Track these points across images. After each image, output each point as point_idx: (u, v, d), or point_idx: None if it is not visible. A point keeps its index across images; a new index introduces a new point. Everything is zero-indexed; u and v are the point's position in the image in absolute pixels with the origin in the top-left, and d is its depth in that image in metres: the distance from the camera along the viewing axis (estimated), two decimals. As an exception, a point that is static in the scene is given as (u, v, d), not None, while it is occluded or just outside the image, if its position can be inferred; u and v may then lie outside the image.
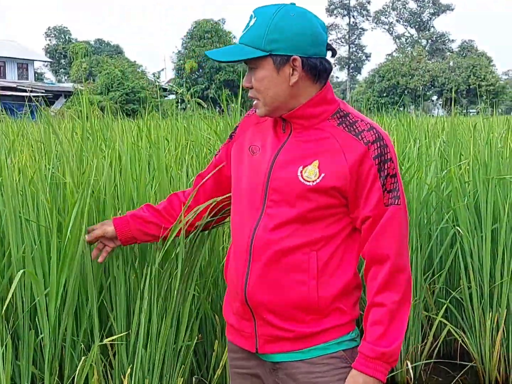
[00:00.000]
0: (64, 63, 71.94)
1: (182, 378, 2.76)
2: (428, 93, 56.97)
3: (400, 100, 29.56)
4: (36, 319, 2.52)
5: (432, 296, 3.95)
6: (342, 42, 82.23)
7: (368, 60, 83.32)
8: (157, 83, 37.02)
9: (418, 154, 4.31)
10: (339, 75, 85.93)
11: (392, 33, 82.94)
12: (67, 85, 42.50)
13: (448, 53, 73.79)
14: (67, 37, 74.32)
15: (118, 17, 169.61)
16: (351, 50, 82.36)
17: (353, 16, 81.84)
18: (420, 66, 56.93)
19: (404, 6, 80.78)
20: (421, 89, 54.79)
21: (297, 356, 1.80)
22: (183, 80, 47.36)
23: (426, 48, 73.20)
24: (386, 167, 1.72)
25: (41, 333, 2.51)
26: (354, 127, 1.75)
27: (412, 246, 3.64)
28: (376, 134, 1.73)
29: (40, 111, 4.68)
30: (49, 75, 74.34)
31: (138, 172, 2.94)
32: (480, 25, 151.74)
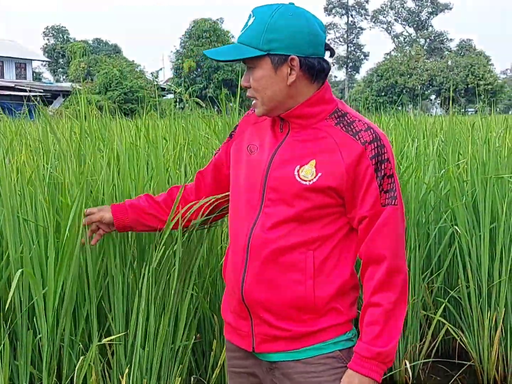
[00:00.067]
0: (62, 62, 71.88)
1: (180, 378, 2.76)
2: (426, 92, 56.99)
3: (399, 100, 29.53)
4: (34, 319, 2.52)
5: (430, 295, 3.95)
6: (340, 41, 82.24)
7: (367, 59, 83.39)
8: (155, 83, 37.01)
9: (417, 154, 4.30)
10: (337, 74, 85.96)
11: (390, 32, 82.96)
12: (65, 85, 42.50)
13: (446, 52, 73.78)
14: (65, 37, 74.27)
15: (116, 17, 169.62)
16: (349, 49, 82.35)
17: (351, 15, 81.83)
18: (419, 65, 56.94)
19: (402, 5, 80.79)
20: (419, 88, 54.81)
21: (293, 356, 1.80)
22: (182, 79, 47.34)
23: (424, 47, 73.18)
24: (383, 167, 1.72)
25: (39, 333, 2.51)
26: (352, 127, 1.75)
27: (411, 245, 3.65)
28: (374, 134, 1.73)
29: (39, 110, 4.68)
30: (47, 75, 74.31)
31: (136, 172, 2.94)
32: (478, 24, 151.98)
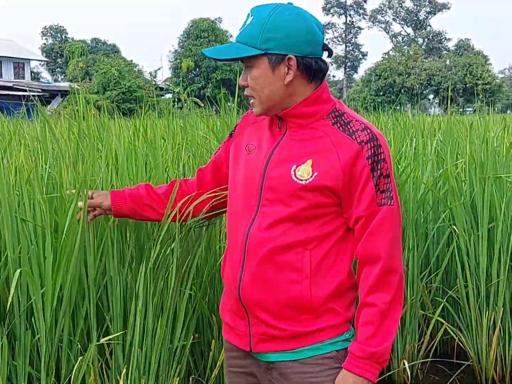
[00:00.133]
0: (60, 62, 71.79)
1: (178, 378, 2.76)
2: (424, 91, 56.99)
3: (397, 99, 29.56)
4: (33, 319, 2.51)
5: (428, 295, 3.95)
6: (338, 41, 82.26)
7: (365, 59, 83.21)
8: (153, 82, 37.01)
9: (415, 153, 4.31)
10: (335, 74, 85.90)
11: (388, 32, 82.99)
12: (64, 84, 42.45)
13: (445, 51, 73.83)
14: (63, 36, 74.18)
15: (114, 16, 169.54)
16: (347, 49, 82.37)
17: (350, 15, 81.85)
18: (417, 65, 56.94)
19: (400, 5, 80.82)
20: (417, 87, 54.81)
21: (290, 356, 1.81)
22: (180, 79, 47.33)
23: (422, 47, 73.21)
24: (379, 167, 1.72)
25: (37, 333, 2.51)
26: (349, 126, 1.76)
27: (409, 245, 3.65)
28: (370, 134, 1.73)
29: (37, 110, 4.68)
30: (45, 75, 74.25)
31: (134, 172, 2.94)
32: (476, 24, 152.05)
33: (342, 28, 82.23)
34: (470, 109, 41.27)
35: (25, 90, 30.18)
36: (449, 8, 79.18)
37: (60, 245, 2.44)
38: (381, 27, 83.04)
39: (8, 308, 2.39)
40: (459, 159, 4.25)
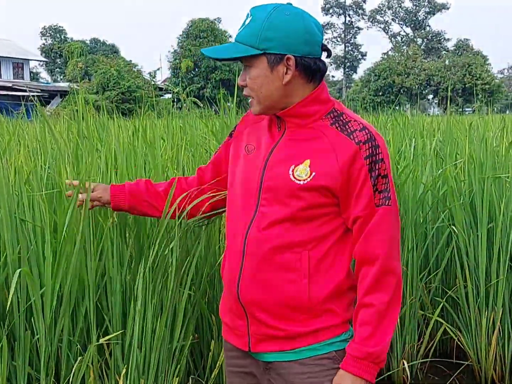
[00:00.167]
0: (59, 62, 71.74)
1: (178, 378, 2.76)
2: (424, 92, 57.00)
3: (396, 99, 29.57)
4: (32, 320, 2.51)
5: (428, 295, 3.96)
6: (338, 41, 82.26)
7: (364, 59, 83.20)
8: (153, 83, 36.97)
9: (414, 154, 4.31)
10: (335, 74, 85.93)
11: (387, 32, 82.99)
12: (63, 85, 42.39)
13: (444, 52, 73.88)
14: (62, 37, 74.10)
15: (113, 16, 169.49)
16: (346, 49, 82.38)
17: (349, 15, 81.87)
18: (416, 65, 56.95)
19: (399, 5, 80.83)
20: (416, 88, 54.83)
21: (289, 357, 1.81)
22: (179, 79, 47.28)
23: (421, 47, 73.24)
24: (377, 167, 1.72)
25: (37, 334, 2.51)
26: (347, 126, 1.76)
27: (408, 245, 3.65)
28: (368, 135, 1.73)
29: (36, 110, 4.67)
30: (44, 75, 74.24)
31: (134, 172, 2.93)
32: (475, 24, 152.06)
33: (341, 28, 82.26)
34: (469, 109, 41.33)
35: (25, 90, 30.18)
36: (448, 8, 79.20)
37: (60, 245, 2.44)
38: (380, 27, 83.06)
39: (7, 308, 2.39)
40: (458, 159, 4.25)
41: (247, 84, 1.79)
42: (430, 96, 60.31)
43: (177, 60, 52.76)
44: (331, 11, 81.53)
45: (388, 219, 1.74)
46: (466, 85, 53.48)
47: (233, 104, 3.70)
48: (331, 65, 78.80)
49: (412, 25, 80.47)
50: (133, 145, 3.46)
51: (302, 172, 1.74)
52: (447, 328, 3.82)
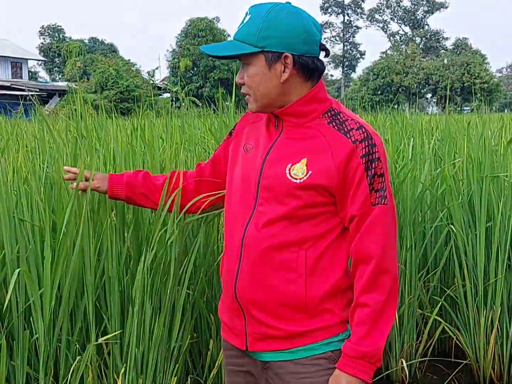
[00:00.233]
0: (58, 61, 71.68)
1: (176, 377, 2.76)
2: (422, 90, 57.00)
3: (395, 98, 29.54)
4: (31, 319, 2.51)
5: (426, 294, 3.96)
6: (336, 40, 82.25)
7: (363, 58, 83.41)
8: (151, 82, 36.96)
9: (413, 153, 4.31)
10: (333, 73, 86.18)
11: (386, 31, 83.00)
12: (61, 84, 42.39)
13: (442, 51, 73.89)
14: (61, 36, 74.05)
15: (112, 16, 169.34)
16: (345, 48, 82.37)
17: (348, 14, 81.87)
18: (415, 64, 56.96)
19: (398, 4, 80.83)
20: (415, 87, 54.84)
21: (286, 356, 1.81)
22: (178, 78, 47.26)
23: (420, 46, 73.26)
24: (373, 166, 1.72)
25: (35, 333, 2.51)
26: (344, 125, 1.76)
27: (407, 244, 3.65)
28: (365, 133, 1.73)
29: (35, 110, 4.67)
30: (43, 74, 74.16)
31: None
32: (474, 23, 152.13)
33: (340, 27, 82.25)
34: (468, 108, 41.33)
35: (23, 90, 30.15)
36: (446, 7, 79.22)
37: (59, 245, 2.44)
38: (379, 26, 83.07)
39: (4, 307, 2.39)
40: (457, 158, 4.25)
41: (245, 82, 1.80)
42: (429, 95, 60.31)
43: (175, 59, 52.73)
44: (329, 10, 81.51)
45: (384, 218, 1.74)
46: (465, 84, 53.49)
47: (231, 103, 3.70)
48: (329, 64, 78.84)
49: (410, 24, 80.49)
50: (131, 144, 3.46)
51: (298, 171, 1.74)
52: (445, 327, 3.82)
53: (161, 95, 34.65)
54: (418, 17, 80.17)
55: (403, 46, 72.16)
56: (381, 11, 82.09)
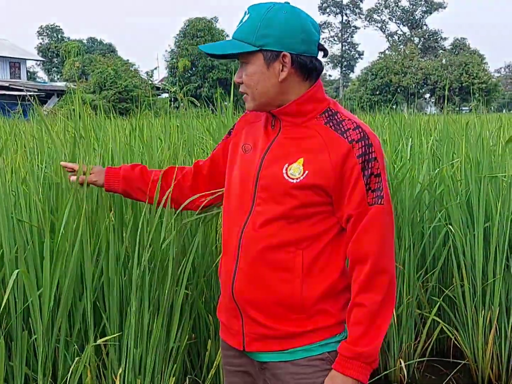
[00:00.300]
0: (56, 62, 71.66)
1: (174, 378, 2.76)
2: (420, 91, 57.01)
3: (393, 98, 29.56)
4: (29, 320, 2.51)
5: (425, 294, 3.96)
6: (334, 40, 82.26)
7: (361, 58, 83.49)
8: (150, 82, 36.94)
9: (411, 153, 4.31)
10: (332, 73, 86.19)
11: (384, 31, 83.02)
12: (60, 84, 42.39)
13: (441, 51, 73.87)
14: (59, 36, 74.03)
15: (110, 16, 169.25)
16: (343, 48, 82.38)
17: (346, 14, 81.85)
18: (413, 64, 56.98)
19: (396, 4, 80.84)
20: (413, 87, 54.85)
21: (283, 357, 1.81)
22: (176, 78, 47.25)
23: (418, 46, 73.27)
24: (370, 166, 1.72)
25: (34, 334, 2.51)
26: (341, 125, 1.76)
27: (405, 244, 3.65)
28: (362, 133, 1.73)
29: (33, 110, 4.67)
30: (41, 74, 74.10)
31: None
32: (472, 23, 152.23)
33: (338, 27, 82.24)
34: (466, 108, 41.36)
35: (21, 90, 30.13)
36: (445, 7, 79.25)
37: (57, 246, 2.44)
38: (377, 26, 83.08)
39: (4, 308, 2.39)
40: (455, 158, 4.25)
41: (243, 81, 1.80)
42: (427, 95, 60.33)
43: (174, 60, 52.72)
44: (328, 10, 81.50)
45: (381, 218, 1.74)
46: (463, 84, 53.51)
47: (230, 103, 3.70)
48: (328, 64, 78.85)
49: (409, 24, 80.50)
50: (130, 144, 3.46)
51: (295, 171, 1.74)
52: (444, 327, 3.83)
53: (159, 95, 34.61)
54: (416, 17, 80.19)
55: (401, 46, 72.19)
56: (380, 11, 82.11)
